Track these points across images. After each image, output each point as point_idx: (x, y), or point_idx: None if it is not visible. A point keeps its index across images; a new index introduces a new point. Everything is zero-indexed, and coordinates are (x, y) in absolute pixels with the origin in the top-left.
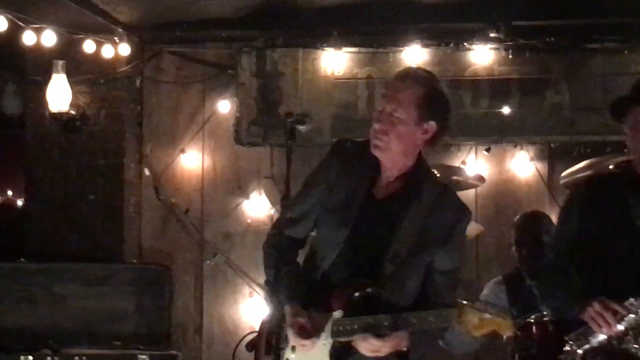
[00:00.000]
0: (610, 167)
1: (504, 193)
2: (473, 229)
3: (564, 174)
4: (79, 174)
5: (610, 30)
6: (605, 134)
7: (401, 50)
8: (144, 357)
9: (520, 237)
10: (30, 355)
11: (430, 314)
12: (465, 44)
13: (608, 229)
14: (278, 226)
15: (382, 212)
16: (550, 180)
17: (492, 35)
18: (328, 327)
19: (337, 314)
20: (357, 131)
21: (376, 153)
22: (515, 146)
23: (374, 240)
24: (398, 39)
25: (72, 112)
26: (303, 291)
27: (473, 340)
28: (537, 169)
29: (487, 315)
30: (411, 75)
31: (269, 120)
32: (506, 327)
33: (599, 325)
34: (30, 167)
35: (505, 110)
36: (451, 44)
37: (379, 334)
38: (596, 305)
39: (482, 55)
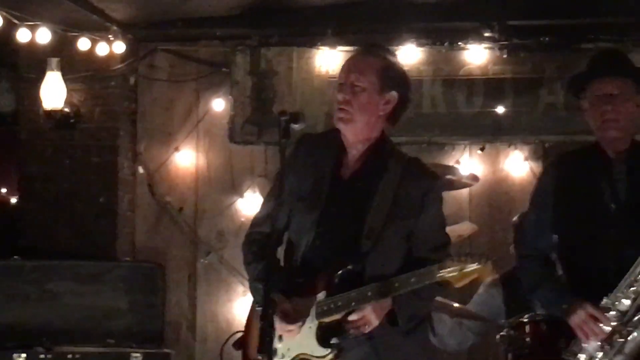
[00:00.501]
0: None
1: (498, 192)
2: (467, 228)
3: None
4: (72, 172)
5: (604, 30)
6: None
7: (395, 50)
8: (137, 355)
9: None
10: (23, 352)
11: (410, 275)
12: (459, 43)
13: (582, 215)
14: (254, 225)
15: (352, 190)
16: None
17: (486, 34)
18: (313, 310)
19: (321, 295)
20: None
21: (340, 126)
22: (510, 146)
23: (347, 219)
24: (392, 38)
25: (66, 109)
26: (284, 281)
27: (465, 337)
28: (531, 169)
29: (467, 266)
30: (370, 49)
31: (263, 119)
32: (487, 271)
33: (586, 335)
34: (24, 165)
35: (500, 109)
36: (445, 44)
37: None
38: (580, 314)
39: (476, 55)
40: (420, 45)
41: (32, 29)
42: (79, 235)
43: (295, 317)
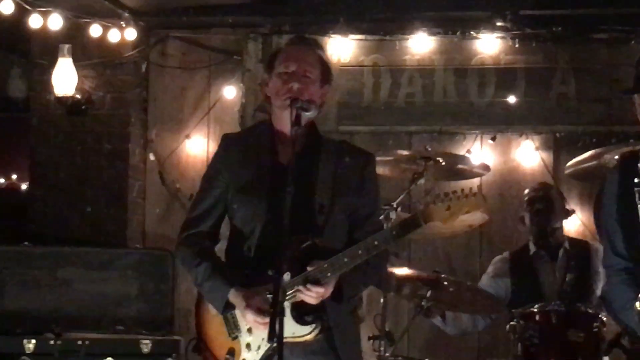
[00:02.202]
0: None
1: (509, 182)
2: (478, 218)
3: (568, 164)
4: (83, 158)
5: (616, 21)
6: (611, 124)
7: (407, 38)
8: (147, 341)
9: (531, 197)
10: (33, 339)
11: (373, 238)
12: (471, 32)
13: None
14: (188, 227)
15: (294, 175)
16: (555, 170)
17: (498, 24)
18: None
19: (286, 277)
20: (362, 118)
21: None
22: (521, 135)
23: (296, 199)
24: (404, 26)
25: (78, 96)
26: (237, 275)
27: (469, 320)
28: (542, 159)
29: (453, 200)
30: (308, 40)
31: None
32: (477, 202)
33: None
34: (35, 151)
35: (511, 99)
36: (458, 33)
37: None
38: None
39: (488, 44)
40: (432, 34)
41: (44, 15)
42: (90, 222)
43: (267, 309)
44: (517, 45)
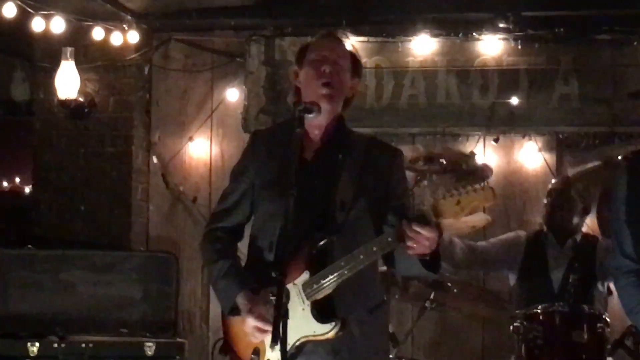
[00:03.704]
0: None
1: (512, 183)
2: (481, 219)
3: (571, 171)
4: (86, 161)
5: (619, 22)
6: (614, 125)
7: (410, 40)
8: (151, 344)
9: (552, 187)
10: (36, 342)
11: (387, 234)
12: (474, 34)
13: None
14: (213, 221)
15: (318, 171)
16: (558, 171)
17: (501, 25)
18: (300, 293)
19: (305, 275)
20: (365, 120)
21: (324, 102)
22: (524, 137)
23: (317, 199)
24: (407, 28)
25: (81, 99)
26: (252, 279)
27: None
28: (545, 160)
29: (463, 194)
30: (338, 35)
31: (278, 109)
32: (487, 196)
33: None
34: (38, 154)
35: (514, 100)
36: (460, 34)
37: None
38: None
39: (491, 46)
40: (434, 36)
41: (47, 18)
42: (93, 225)
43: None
44: (519, 47)
